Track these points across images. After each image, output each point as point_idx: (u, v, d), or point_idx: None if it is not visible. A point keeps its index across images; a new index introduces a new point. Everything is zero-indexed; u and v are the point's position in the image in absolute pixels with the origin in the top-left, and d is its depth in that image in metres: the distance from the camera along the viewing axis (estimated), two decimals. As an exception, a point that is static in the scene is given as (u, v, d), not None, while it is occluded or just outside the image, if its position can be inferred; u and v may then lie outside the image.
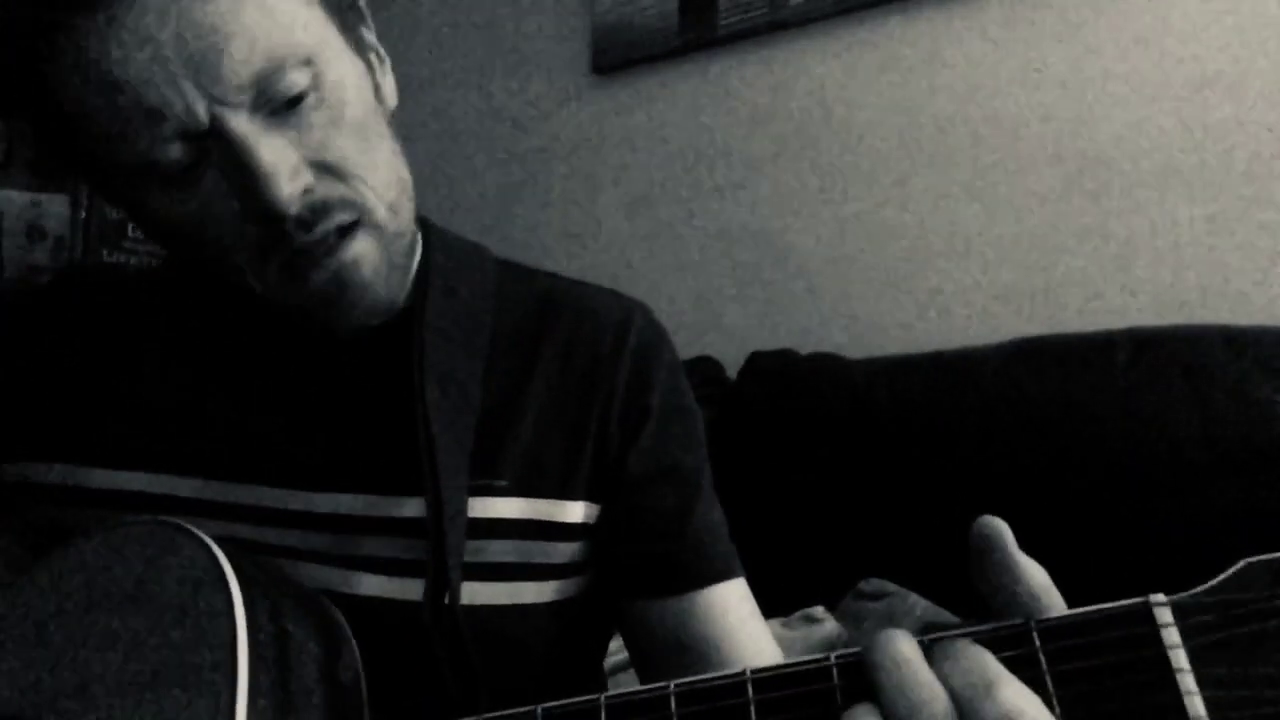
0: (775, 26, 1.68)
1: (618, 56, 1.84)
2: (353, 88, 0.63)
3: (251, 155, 0.58)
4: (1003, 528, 0.44)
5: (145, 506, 0.66)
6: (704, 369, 1.54)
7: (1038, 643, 0.41)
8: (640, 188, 1.82)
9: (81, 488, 0.68)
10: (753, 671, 0.44)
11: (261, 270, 0.62)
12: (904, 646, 0.42)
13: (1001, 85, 1.49)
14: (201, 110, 0.57)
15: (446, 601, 0.63)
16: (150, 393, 0.70)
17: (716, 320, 1.69)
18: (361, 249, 0.63)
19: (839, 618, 1.23)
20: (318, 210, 0.60)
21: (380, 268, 0.64)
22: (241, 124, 0.58)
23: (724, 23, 1.72)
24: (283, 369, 0.71)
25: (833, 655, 0.44)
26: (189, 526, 0.57)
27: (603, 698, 0.46)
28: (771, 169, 1.68)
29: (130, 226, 2.09)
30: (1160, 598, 0.41)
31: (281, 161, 0.58)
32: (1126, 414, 1.17)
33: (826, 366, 1.44)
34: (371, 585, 0.66)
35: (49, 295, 0.77)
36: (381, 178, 0.64)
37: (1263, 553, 0.41)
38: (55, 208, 2.10)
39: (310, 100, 0.60)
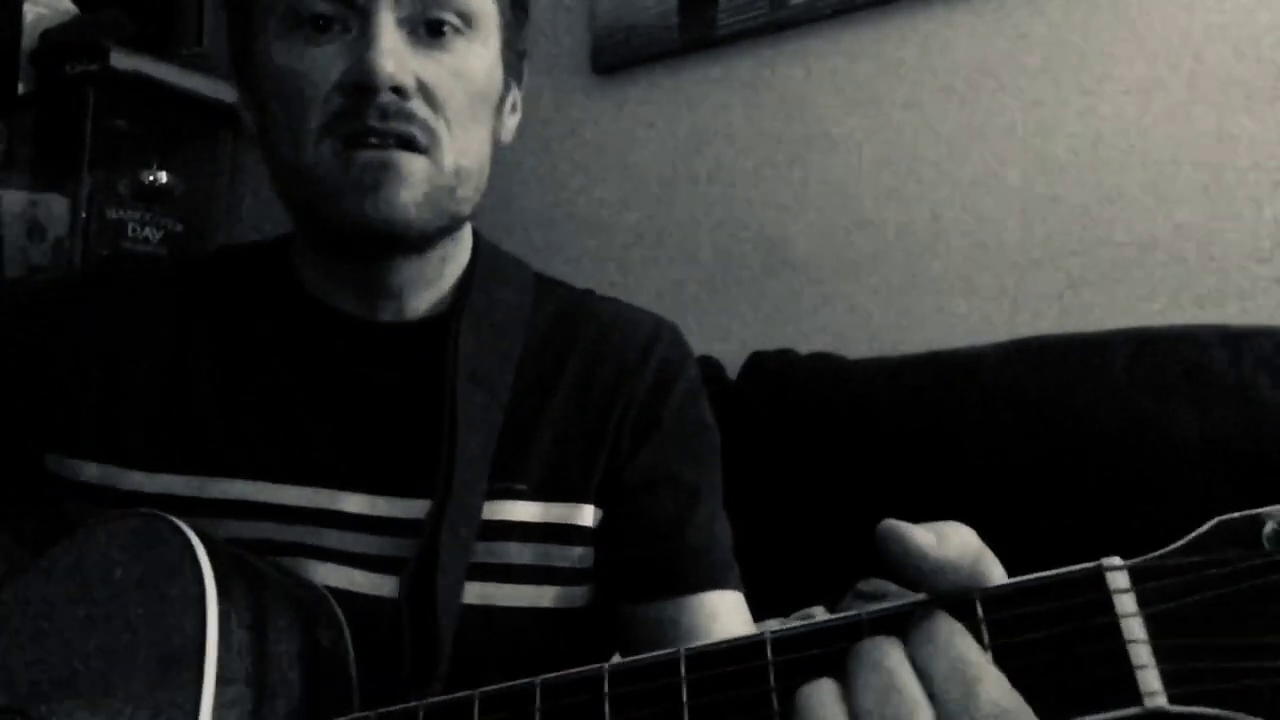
0: (775, 26, 1.67)
1: (618, 56, 1.84)
2: (486, 69, 0.69)
3: (380, 31, 0.63)
4: (892, 528, 0.40)
5: (179, 509, 0.65)
6: (704, 369, 1.54)
7: (980, 613, 0.38)
8: (640, 187, 1.82)
9: (118, 489, 0.68)
10: (686, 649, 0.42)
11: (321, 140, 0.65)
12: (891, 657, 0.38)
13: (1001, 85, 1.49)
14: None
15: (433, 598, 0.63)
16: (187, 394, 0.70)
17: (716, 320, 1.69)
18: (414, 167, 0.65)
19: (839, 618, 1.23)
20: (402, 112, 0.64)
21: (418, 196, 0.65)
22: (386, 11, 0.64)
23: (724, 23, 1.72)
24: (317, 368, 0.71)
25: (767, 631, 0.41)
26: (171, 518, 0.57)
27: (539, 679, 0.44)
28: (771, 168, 1.68)
29: (130, 227, 2.09)
30: (1115, 561, 0.37)
31: (400, 52, 0.64)
32: (1126, 414, 1.17)
33: (826, 366, 1.44)
34: (387, 586, 0.66)
35: (84, 284, 0.78)
36: (467, 140, 0.67)
37: None
38: (55, 208, 2.10)
39: (450, 42, 0.66)
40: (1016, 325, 1.39)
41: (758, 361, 1.50)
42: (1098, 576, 0.37)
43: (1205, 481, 1.12)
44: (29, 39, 2.11)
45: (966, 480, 1.25)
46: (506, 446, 0.69)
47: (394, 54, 0.63)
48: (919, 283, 1.53)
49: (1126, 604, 0.36)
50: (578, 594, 0.71)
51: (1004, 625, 0.38)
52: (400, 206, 0.64)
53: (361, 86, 0.63)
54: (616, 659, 0.45)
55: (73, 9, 2.16)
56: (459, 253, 0.75)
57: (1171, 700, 0.35)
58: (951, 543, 0.39)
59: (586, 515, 0.71)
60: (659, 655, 0.42)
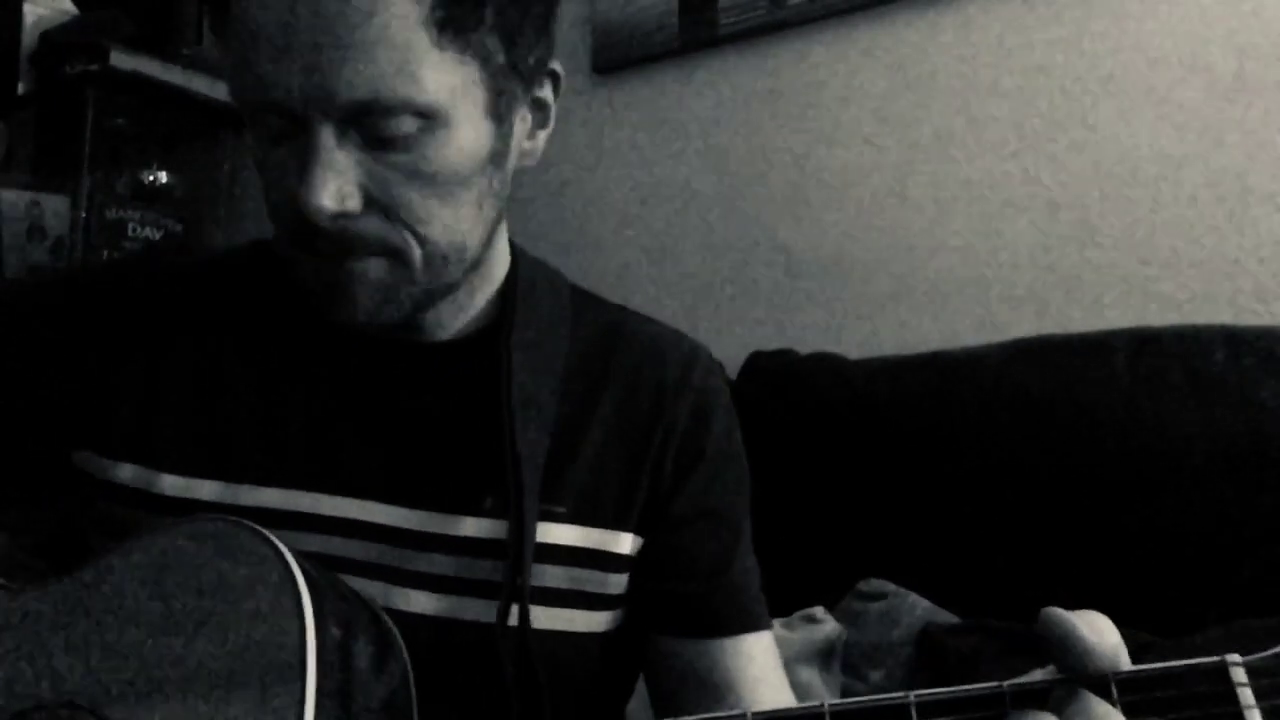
0: (775, 26, 1.67)
1: (618, 56, 1.84)
2: (457, 148, 0.61)
3: (313, 161, 0.58)
4: (1059, 616, 0.44)
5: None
6: (704, 369, 1.54)
7: (1115, 694, 0.43)
8: (640, 187, 1.82)
9: (151, 492, 0.67)
10: (830, 706, 0.45)
11: (289, 242, 0.63)
12: None
13: (1001, 86, 1.49)
14: (297, 102, 0.57)
15: (516, 623, 0.63)
16: (225, 397, 0.70)
17: (716, 320, 1.69)
18: (369, 270, 0.62)
19: (839, 618, 1.23)
20: (346, 235, 0.60)
21: (380, 293, 0.63)
22: (324, 132, 0.58)
23: (724, 23, 1.72)
24: (356, 379, 0.71)
25: (911, 695, 0.45)
26: (258, 527, 0.57)
27: None
28: (771, 168, 1.68)
29: (130, 226, 2.09)
30: (1236, 658, 0.43)
31: (335, 180, 0.58)
32: (1127, 414, 1.17)
33: (826, 366, 1.43)
34: (425, 602, 0.66)
35: (123, 276, 0.76)
36: (434, 232, 0.62)
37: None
38: (55, 208, 2.10)
39: (408, 143, 0.59)
40: (1016, 325, 1.39)
41: (758, 361, 1.50)
42: (1221, 670, 0.42)
43: (1206, 481, 1.11)
44: (29, 39, 2.11)
45: (966, 480, 1.25)
46: (547, 468, 0.68)
47: (331, 180, 0.58)
48: (919, 283, 1.53)
49: (1247, 696, 0.42)
50: (610, 619, 0.71)
51: (1135, 707, 0.43)
52: (363, 312, 0.63)
53: (299, 215, 0.59)
54: (753, 709, 0.47)
55: (73, 9, 2.16)
56: (491, 272, 0.74)
57: None
58: (1101, 631, 0.44)
59: (624, 543, 0.70)
60: (805, 709, 0.46)
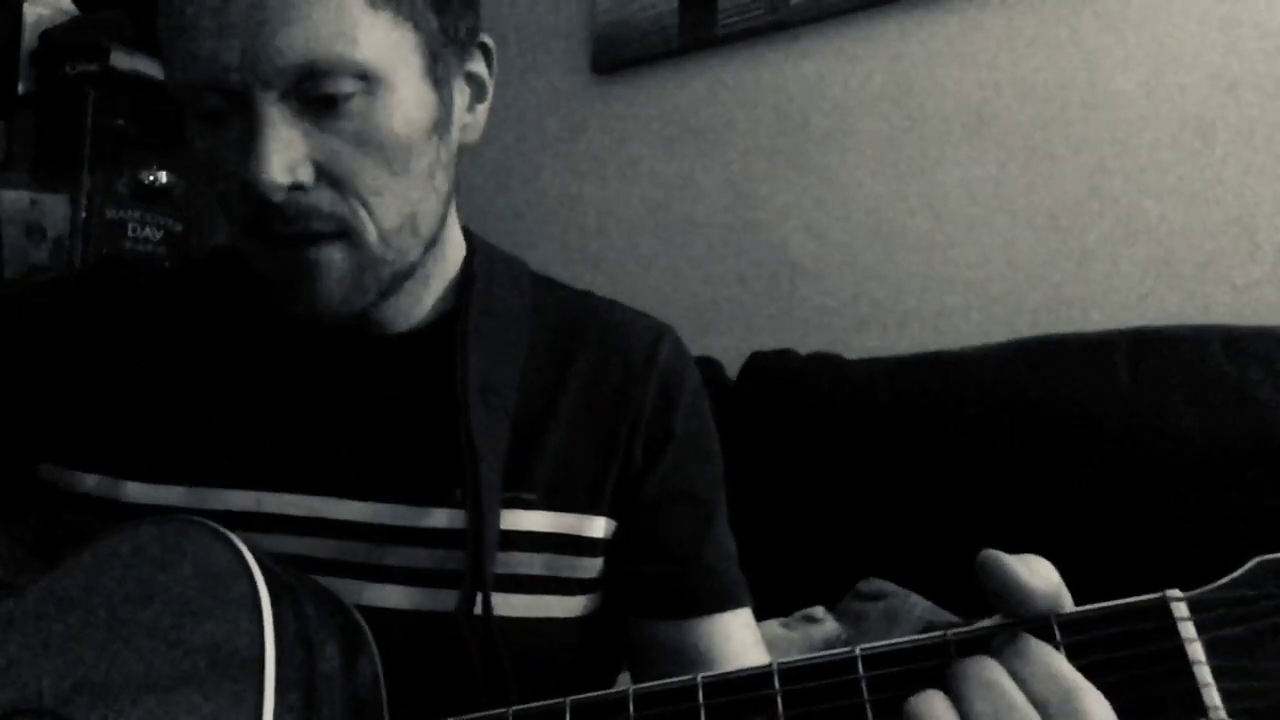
0: (775, 26, 1.67)
1: (618, 56, 1.84)
2: (402, 114, 0.62)
3: (260, 134, 0.58)
4: (996, 559, 0.44)
5: None
6: (704, 369, 1.53)
7: (1058, 636, 0.43)
8: (640, 188, 1.82)
9: (114, 500, 0.67)
10: (779, 664, 0.45)
11: (247, 234, 0.63)
12: (996, 673, 0.42)
13: (1001, 86, 1.49)
14: (237, 77, 0.58)
15: (480, 612, 0.63)
16: (190, 403, 0.70)
17: (716, 320, 1.69)
18: (331, 258, 0.62)
19: (839, 618, 1.23)
20: (302, 210, 0.61)
21: (345, 280, 0.63)
22: (267, 103, 0.58)
23: (724, 23, 1.72)
24: (318, 376, 0.70)
25: (858, 648, 0.45)
26: (214, 524, 0.56)
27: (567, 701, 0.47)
28: (771, 169, 1.68)
29: (130, 226, 2.09)
30: (1176, 593, 0.42)
31: (284, 151, 0.58)
32: (1127, 414, 1.17)
33: (826, 366, 1.44)
34: (399, 597, 0.66)
35: (82, 287, 0.76)
36: (386, 205, 0.63)
37: (1264, 551, 0.42)
38: (55, 208, 2.10)
39: (348, 107, 0.60)
40: (1016, 325, 1.39)
41: (758, 361, 1.50)
42: (1163, 606, 0.42)
43: (1205, 481, 1.11)
44: (29, 39, 2.11)
45: (966, 480, 1.25)
46: (514, 455, 0.68)
47: (279, 152, 0.58)
48: (919, 283, 1.53)
49: (1189, 630, 0.41)
50: (586, 603, 0.71)
51: (1079, 647, 0.43)
52: (324, 299, 0.63)
53: (252, 194, 0.59)
54: (702, 673, 0.47)
55: (73, 9, 2.16)
56: (447, 259, 0.74)
57: (1230, 714, 0.40)
58: (1040, 573, 0.43)
59: (597, 527, 0.70)
60: (753, 670, 0.46)
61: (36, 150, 2.20)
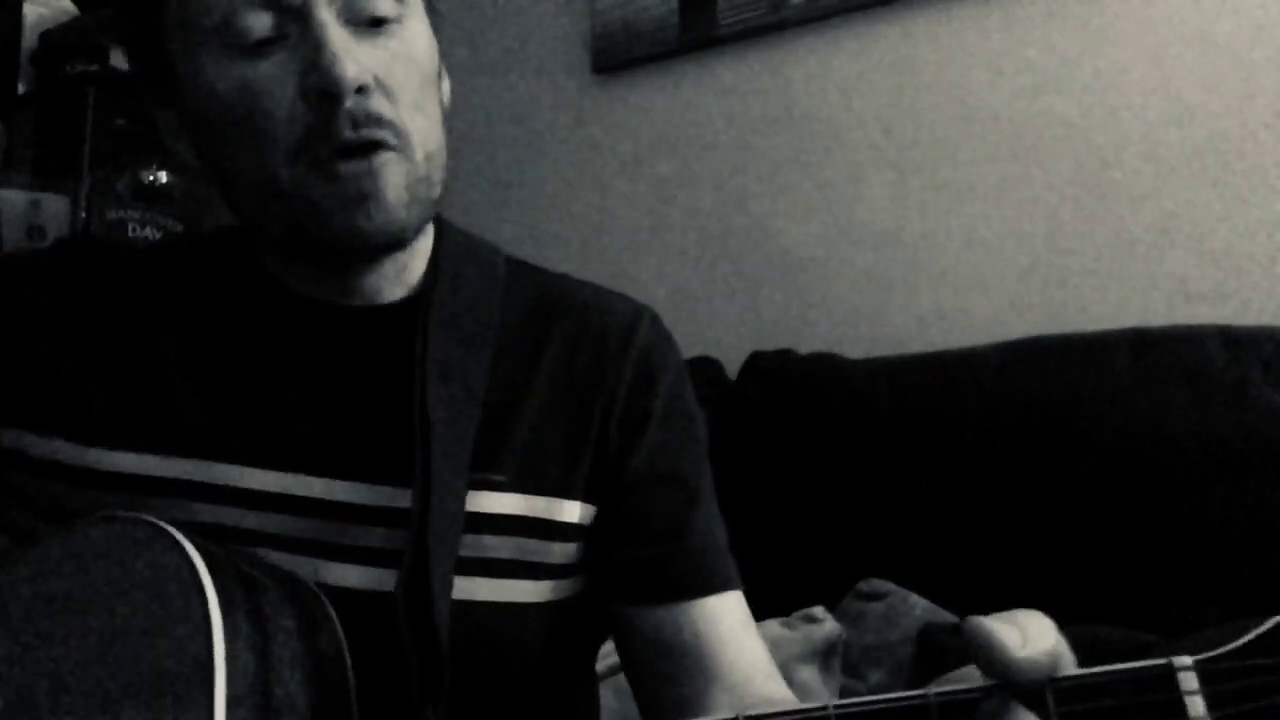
0: (775, 26, 1.67)
1: (618, 56, 1.84)
2: (425, 46, 0.67)
3: (328, 35, 0.61)
4: (982, 628, 0.40)
5: (139, 488, 0.65)
6: (704, 369, 1.54)
7: (1052, 706, 0.39)
8: (640, 188, 1.82)
9: (76, 466, 0.67)
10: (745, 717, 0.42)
11: (294, 160, 0.63)
12: None
13: (1001, 85, 1.49)
14: None
15: (429, 593, 0.62)
16: (151, 372, 0.69)
17: (716, 320, 1.69)
18: (394, 169, 0.64)
19: (839, 618, 1.23)
20: (369, 115, 0.62)
21: (404, 196, 0.64)
22: (327, 12, 0.61)
23: (724, 23, 1.72)
24: (286, 352, 0.70)
25: (831, 705, 0.42)
26: (166, 526, 0.56)
27: None
28: (771, 168, 1.68)
29: (130, 226, 2.09)
30: (1185, 660, 0.39)
31: (352, 50, 0.61)
32: (1126, 414, 1.17)
33: (826, 366, 1.44)
34: (357, 576, 0.65)
35: (50, 261, 0.76)
36: (425, 126, 0.66)
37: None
38: (55, 208, 2.10)
39: (390, 28, 0.64)
40: (1016, 325, 1.39)
41: (758, 361, 1.50)
42: (1169, 675, 0.38)
43: (1204, 480, 1.12)
44: (29, 39, 2.10)
45: (966, 480, 1.25)
46: (484, 436, 0.68)
47: (348, 51, 0.61)
48: (919, 283, 1.53)
49: (1197, 706, 0.38)
50: (560, 588, 0.70)
51: (1075, 718, 0.39)
52: (392, 210, 0.63)
53: (326, 94, 0.61)
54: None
55: (73, 9, 2.16)
56: (428, 236, 0.74)
57: None
58: (1033, 640, 0.40)
59: (571, 511, 0.70)
60: None
61: (36, 150, 2.20)
